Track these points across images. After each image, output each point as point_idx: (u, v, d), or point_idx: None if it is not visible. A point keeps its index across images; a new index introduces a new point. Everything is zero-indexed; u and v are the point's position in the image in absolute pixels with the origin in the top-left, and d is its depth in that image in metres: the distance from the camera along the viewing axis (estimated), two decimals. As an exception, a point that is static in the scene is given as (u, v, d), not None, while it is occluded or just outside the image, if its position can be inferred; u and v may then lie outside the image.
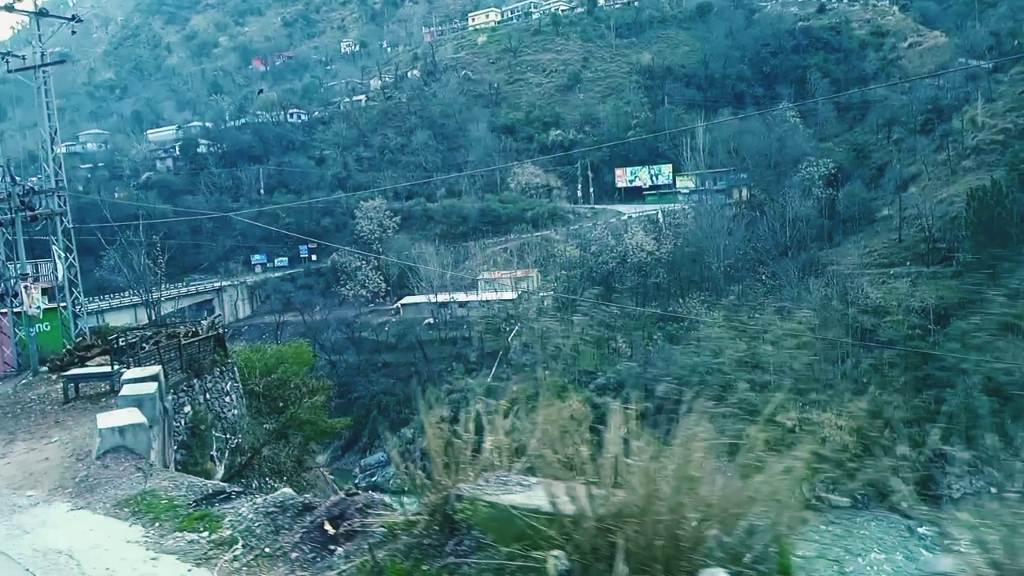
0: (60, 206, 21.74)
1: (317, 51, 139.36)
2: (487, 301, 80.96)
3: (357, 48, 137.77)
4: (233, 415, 16.47)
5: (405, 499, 4.50)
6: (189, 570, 5.44)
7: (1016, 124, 73.48)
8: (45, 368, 18.39)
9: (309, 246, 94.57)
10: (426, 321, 79.69)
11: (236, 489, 6.96)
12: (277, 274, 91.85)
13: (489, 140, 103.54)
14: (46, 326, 20.87)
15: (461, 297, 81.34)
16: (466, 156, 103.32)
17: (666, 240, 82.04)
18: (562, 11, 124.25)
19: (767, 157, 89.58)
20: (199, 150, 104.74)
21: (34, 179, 22.13)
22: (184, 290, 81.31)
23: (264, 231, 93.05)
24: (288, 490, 6.29)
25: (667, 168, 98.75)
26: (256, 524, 5.54)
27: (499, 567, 3.56)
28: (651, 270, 77.22)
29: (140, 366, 14.27)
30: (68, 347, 18.44)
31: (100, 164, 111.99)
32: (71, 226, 22.15)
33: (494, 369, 71.22)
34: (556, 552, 3.27)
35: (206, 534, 5.89)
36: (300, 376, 20.40)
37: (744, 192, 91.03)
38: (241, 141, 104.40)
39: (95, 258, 78.17)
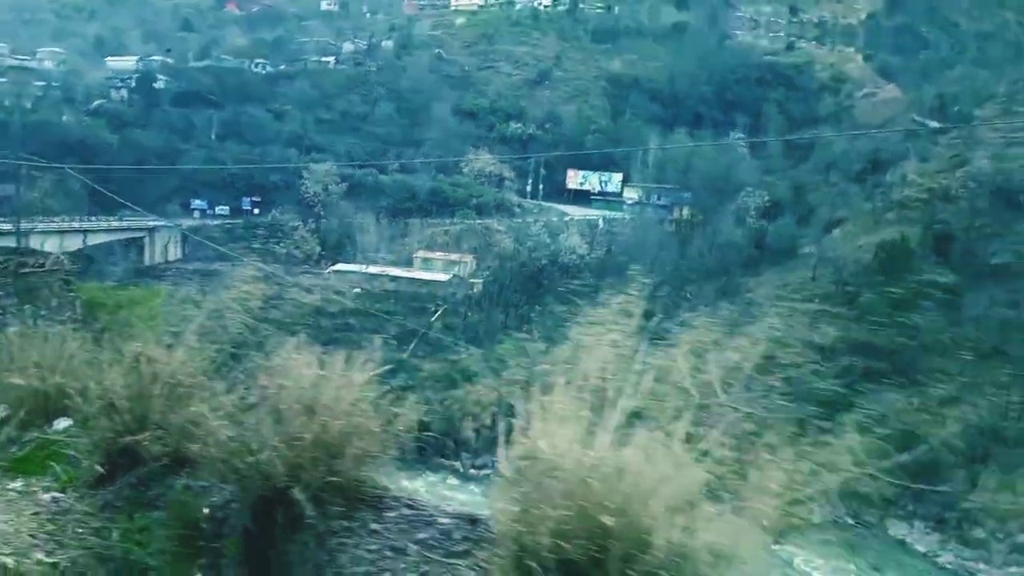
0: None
1: (295, 4, 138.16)
2: (419, 279, 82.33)
3: (336, 8, 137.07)
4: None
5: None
6: None
7: (940, 185, 77.28)
8: None
9: (253, 199, 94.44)
10: (355, 290, 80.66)
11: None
12: (215, 222, 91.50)
13: (451, 122, 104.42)
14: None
15: (394, 272, 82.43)
16: (426, 134, 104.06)
17: (599, 246, 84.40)
18: (543, 6, 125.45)
19: (712, 181, 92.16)
20: (156, 85, 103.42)
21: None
22: (115, 224, 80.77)
23: (209, 177, 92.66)
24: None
25: (617, 177, 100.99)
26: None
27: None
28: (578, 273, 79.46)
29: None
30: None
31: (55, 84, 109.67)
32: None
33: (412, 346, 72.77)
34: (2, 404, 5.06)
35: None
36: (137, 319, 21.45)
37: (685, 211, 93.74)
38: (201, 83, 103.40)
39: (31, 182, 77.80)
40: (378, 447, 3.23)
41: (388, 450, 3.28)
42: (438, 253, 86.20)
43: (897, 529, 55.11)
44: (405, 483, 3.59)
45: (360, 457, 3.16)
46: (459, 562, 2.78)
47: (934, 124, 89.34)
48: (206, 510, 3.24)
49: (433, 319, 76.28)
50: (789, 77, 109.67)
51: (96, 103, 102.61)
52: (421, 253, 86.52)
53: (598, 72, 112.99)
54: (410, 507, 3.12)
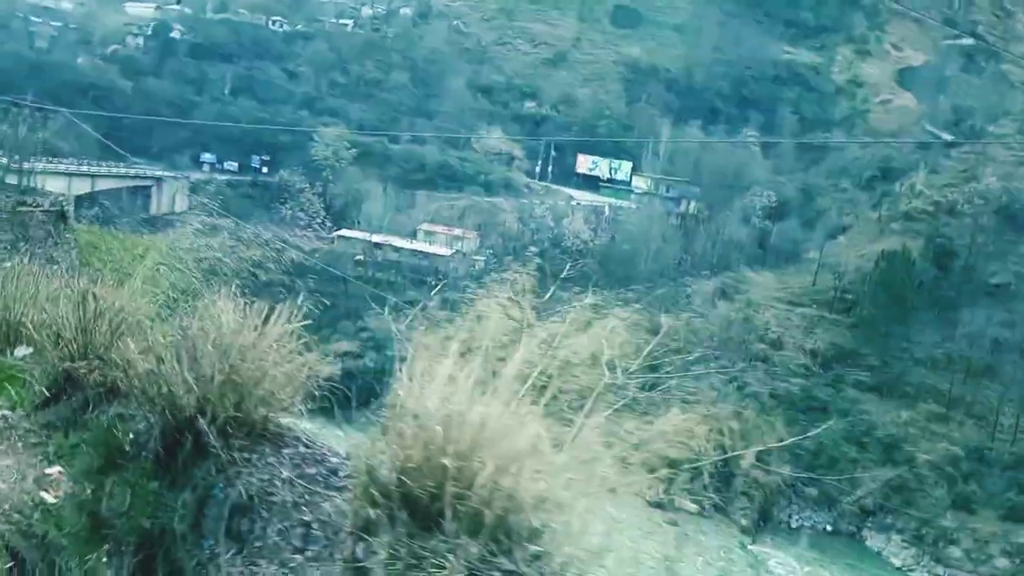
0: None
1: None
2: (422, 252, 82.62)
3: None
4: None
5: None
6: None
7: (947, 199, 76.97)
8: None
9: (262, 157, 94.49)
10: (356, 257, 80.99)
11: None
12: (224, 177, 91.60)
13: (465, 96, 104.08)
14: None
15: (397, 242, 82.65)
16: (439, 106, 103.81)
17: (604, 233, 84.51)
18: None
19: (722, 177, 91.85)
20: (172, 35, 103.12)
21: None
22: (124, 171, 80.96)
23: (219, 131, 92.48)
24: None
25: (627, 165, 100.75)
26: None
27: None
28: (580, 258, 79.56)
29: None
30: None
31: (72, 26, 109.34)
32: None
33: (409, 319, 72.87)
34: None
35: None
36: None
37: (692, 205, 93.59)
38: (217, 36, 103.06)
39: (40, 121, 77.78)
40: (286, 391, 3.58)
41: (297, 395, 3.63)
42: (442, 227, 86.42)
43: (875, 541, 55.71)
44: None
45: (265, 398, 3.51)
46: (335, 494, 3.13)
47: (947, 137, 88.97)
48: (131, 435, 3.59)
49: (433, 292, 76.62)
50: (806, 78, 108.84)
51: (111, 48, 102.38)
52: (425, 226, 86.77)
53: (616, 57, 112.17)
54: (307, 446, 3.49)
